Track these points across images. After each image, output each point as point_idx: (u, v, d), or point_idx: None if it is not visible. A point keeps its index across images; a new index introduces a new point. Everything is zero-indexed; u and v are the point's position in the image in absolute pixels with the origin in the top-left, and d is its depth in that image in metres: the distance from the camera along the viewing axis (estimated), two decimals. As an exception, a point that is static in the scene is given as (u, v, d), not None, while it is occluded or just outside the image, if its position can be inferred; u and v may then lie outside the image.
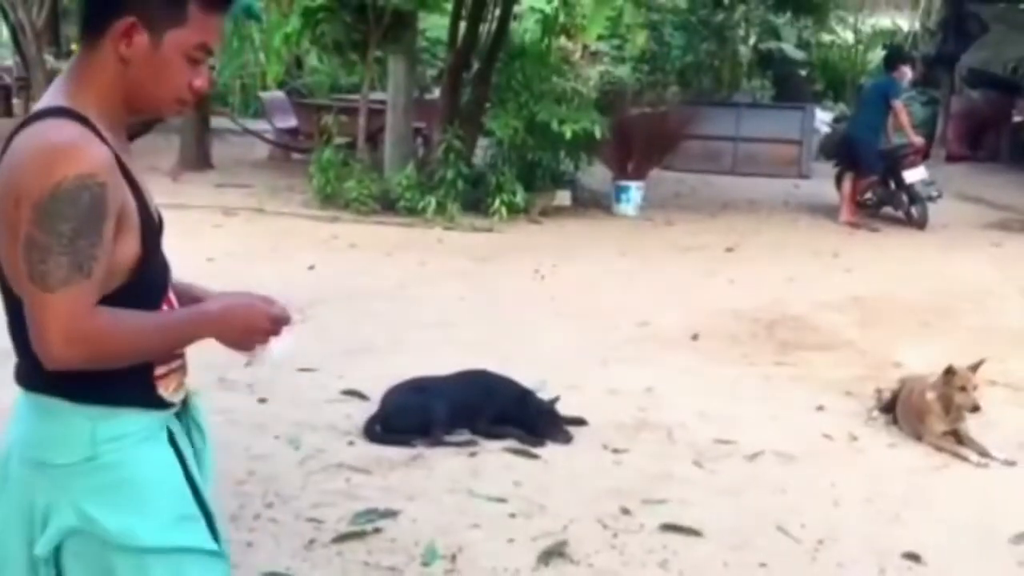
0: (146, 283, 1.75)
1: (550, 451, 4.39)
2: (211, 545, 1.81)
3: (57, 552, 1.73)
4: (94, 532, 1.70)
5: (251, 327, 1.81)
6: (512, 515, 3.75)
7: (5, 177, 1.63)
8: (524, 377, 4.87)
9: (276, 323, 1.83)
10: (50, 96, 1.73)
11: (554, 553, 3.45)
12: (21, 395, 1.77)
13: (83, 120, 1.67)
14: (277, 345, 1.85)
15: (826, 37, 21.40)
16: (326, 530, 3.55)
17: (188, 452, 1.85)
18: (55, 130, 1.64)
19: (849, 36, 22.00)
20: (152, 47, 1.70)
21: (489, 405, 4.61)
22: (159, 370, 1.79)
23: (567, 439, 4.50)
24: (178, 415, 1.87)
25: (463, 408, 4.56)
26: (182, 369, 1.87)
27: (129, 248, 1.69)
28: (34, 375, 1.69)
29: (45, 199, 1.58)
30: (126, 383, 1.72)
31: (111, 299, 1.67)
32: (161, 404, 1.80)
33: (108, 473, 1.72)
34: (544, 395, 4.74)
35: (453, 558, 3.40)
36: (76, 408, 1.70)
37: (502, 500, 3.86)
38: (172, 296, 1.85)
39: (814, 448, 4.63)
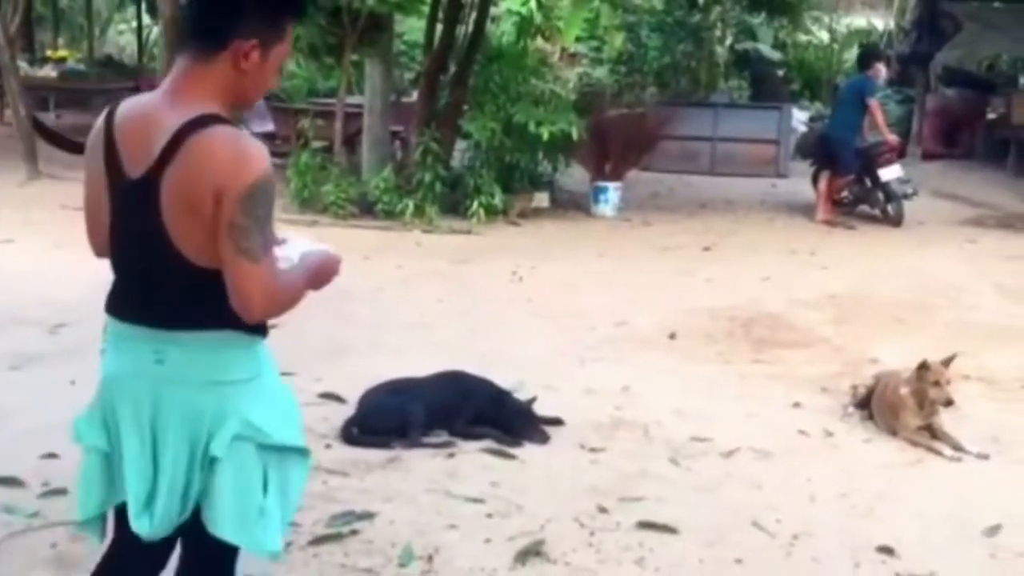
0: None
1: (527, 451, 4.40)
2: (305, 443, 2.35)
3: (213, 461, 2.18)
4: (253, 437, 2.19)
5: (332, 272, 2.39)
6: (489, 515, 3.76)
7: (198, 174, 2.06)
8: (502, 378, 4.88)
9: (338, 263, 2.40)
10: (182, 102, 2.12)
11: (531, 552, 3.46)
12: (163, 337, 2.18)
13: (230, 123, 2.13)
14: None
15: (802, 37, 21.54)
16: (303, 533, 3.54)
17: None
18: (237, 137, 2.10)
19: (825, 36, 22.14)
20: (262, 61, 2.16)
21: (466, 406, 4.61)
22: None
23: (544, 439, 4.51)
24: None
25: (440, 409, 4.57)
26: None
27: None
28: (201, 315, 2.16)
29: (246, 192, 2.05)
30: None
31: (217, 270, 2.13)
32: (265, 334, 2.30)
33: (261, 387, 2.25)
34: (521, 395, 4.76)
35: (430, 559, 3.40)
36: (244, 338, 2.21)
37: (479, 500, 3.87)
38: None
39: (790, 444, 4.66)
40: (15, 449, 4.15)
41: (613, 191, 11.23)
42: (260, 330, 2.25)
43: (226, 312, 2.13)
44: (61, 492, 3.76)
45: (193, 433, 2.19)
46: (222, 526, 2.20)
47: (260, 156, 2.09)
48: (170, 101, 2.15)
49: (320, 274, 2.35)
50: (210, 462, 2.18)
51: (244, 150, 2.08)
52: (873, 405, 4.96)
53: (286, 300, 2.19)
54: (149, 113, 2.17)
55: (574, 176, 11.96)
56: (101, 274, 7.49)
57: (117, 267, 2.32)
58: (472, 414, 4.59)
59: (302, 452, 2.34)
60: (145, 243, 2.16)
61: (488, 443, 4.43)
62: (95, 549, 3.37)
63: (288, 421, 2.31)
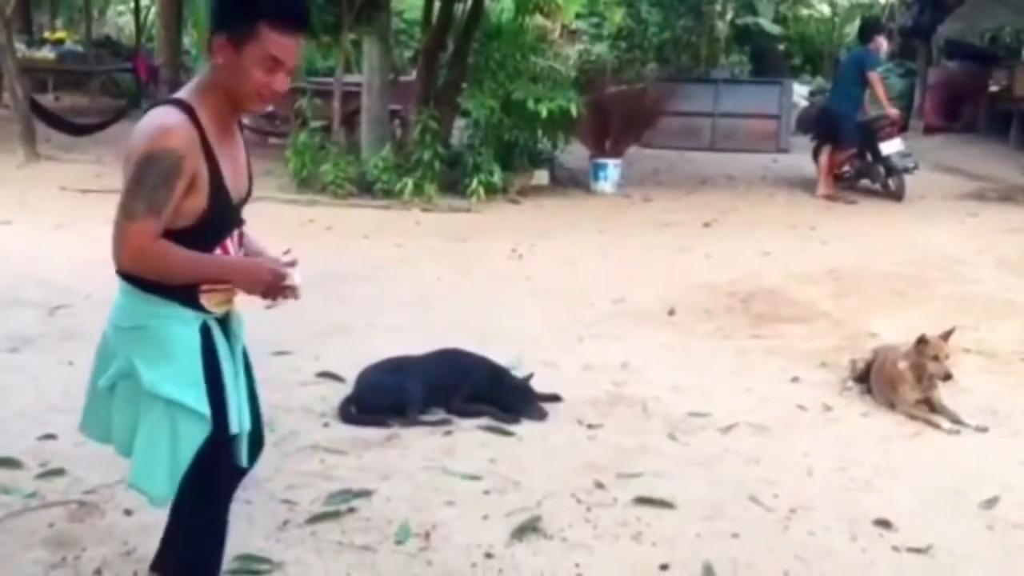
0: (204, 229, 2.45)
1: (525, 428, 4.40)
2: (202, 408, 2.48)
3: (112, 388, 2.55)
4: (133, 377, 2.47)
5: (256, 279, 2.51)
6: (486, 492, 3.76)
7: (131, 140, 2.41)
8: (500, 355, 4.88)
9: (276, 277, 2.52)
10: (180, 90, 2.48)
11: (528, 528, 3.46)
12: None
13: (188, 109, 2.39)
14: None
15: (803, 11, 21.42)
16: (300, 511, 3.55)
17: (223, 348, 2.56)
18: (164, 115, 2.39)
19: (826, 9, 22.01)
20: (236, 57, 2.39)
21: (464, 383, 4.61)
22: (204, 287, 2.50)
23: (542, 415, 4.51)
24: (222, 324, 2.59)
25: (437, 387, 4.56)
26: (227, 292, 2.57)
27: (195, 203, 2.40)
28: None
29: (142, 157, 2.33)
30: (175, 288, 2.46)
31: (177, 233, 2.40)
32: (200, 308, 2.51)
33: (149, 339, 2.47)
34: (519, 372, 4.75)
35: (427, 535, 3.40)
36: (140, 293, 2.46)
37: (476, 477, 3.87)
38: (229, 244, 2.56)
39: (788, 419, 4.65)
40: (13, 430, 4.16)
41: (613, 168, 11.21)
42: (157, 288, 2.45)
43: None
44: (58, 472, 3.77)
45: (105, 364, 2.58)
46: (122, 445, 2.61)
47: (168, 133, 2.34)
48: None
49: (242, 276, 2.53)
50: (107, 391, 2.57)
51: (159, 125, 2.36)
52: (872, 379, 4.96)
53: (157, 266, 2.40)
54: None
55: (574, 153, 11.92)
56: (98, 256, 7.48)
57: None
58: (469, 391, 4.59)
59: (195, 413, 2.48)
60: None
61: (486, 420, 4.43)
62: (93, 526, 3.41)
63: (176, 379, 2.47)
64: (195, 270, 2.47)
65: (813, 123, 12.59)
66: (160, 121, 2.37)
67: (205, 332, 2.53)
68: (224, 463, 2.62)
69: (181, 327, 2.50)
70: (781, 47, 20.11)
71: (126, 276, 2.47)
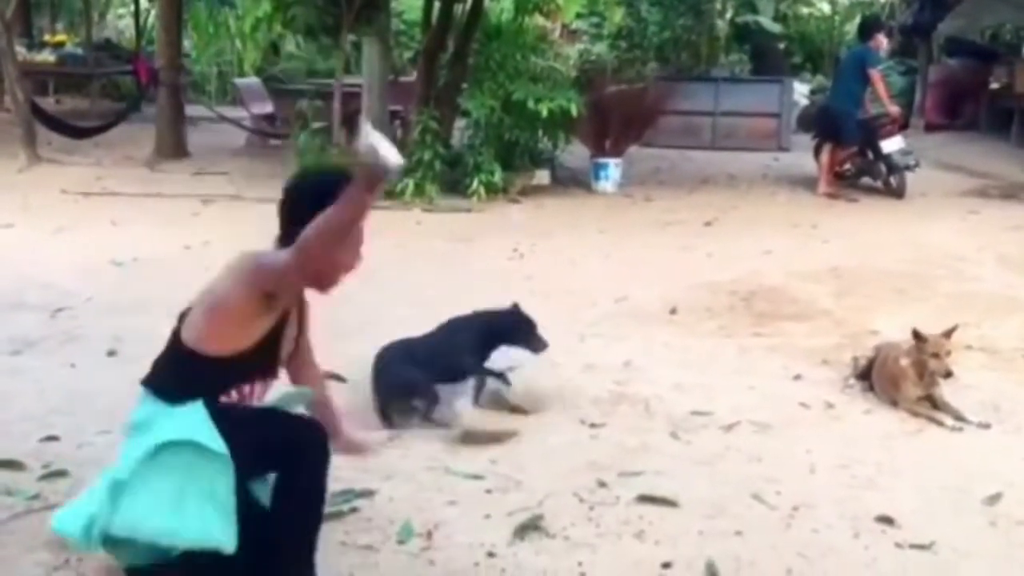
0: (240, 367, 2.79)
1: (527, 427, 4.40)
2: (215, 446, 2.63)
3: None
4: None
5: (372, 182, 2.53)
6: (488, 491, 3.76)
7: None
8: (500, 354, 4.87)
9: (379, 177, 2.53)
10: None
11: (530, 527, 3.46)
12: None
13: None
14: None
15: (803, 9, 21.39)
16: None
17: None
18: None
19: (826, 7, 21.98)
20: None
21: (473, 343, 4.66)
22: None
23: (544, 346, 4.66)
24: None
25: (447, 357, 4.59)
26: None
27: (254, 331, 2.78)
28: None
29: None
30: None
31: (210, 362, 2.74)
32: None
33: None
34: (519, 371, 4.75)
35: (429, 535, 3.40)
36: None
37: (479, 477, 3.87)
38: (256, 387, 2.86)
39: (790, 417, 4.65)
40: (15, 432, 4.16)
41: (614, 167, 11.20)
42: None
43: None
44: (61, 474, 3.77)
45: None
46: None
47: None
48: None
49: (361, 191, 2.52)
50: None
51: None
52: (874, 376, 4.95)
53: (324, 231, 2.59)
54: None
55: (574, 153, 11.92)
56: (99, 259, 7.46)
57: None
58: (481, 346, 4.66)
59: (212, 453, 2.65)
60: None
61: (485, 418, 4.43)
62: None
63: (185, 425, 2.69)
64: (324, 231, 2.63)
65: (814, 121, 12.59)
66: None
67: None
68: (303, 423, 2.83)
69: (189, 409, 2.76)
70: (781, 45, 20.09)
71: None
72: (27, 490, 3.65)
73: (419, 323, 5.90)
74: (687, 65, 17.07)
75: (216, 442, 2.62)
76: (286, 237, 2.71)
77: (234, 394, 2.78)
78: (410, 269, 7.44)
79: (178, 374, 2.75)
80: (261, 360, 2.79)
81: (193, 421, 2.65)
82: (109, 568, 2.95)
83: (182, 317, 2.83)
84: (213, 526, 2.59)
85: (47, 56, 16.39)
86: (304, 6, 9.85)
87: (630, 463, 4.04)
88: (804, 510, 3.67)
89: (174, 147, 12.47)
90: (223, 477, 2.62)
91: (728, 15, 18.99)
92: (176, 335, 2.79)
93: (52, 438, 4.08)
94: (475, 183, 10.06)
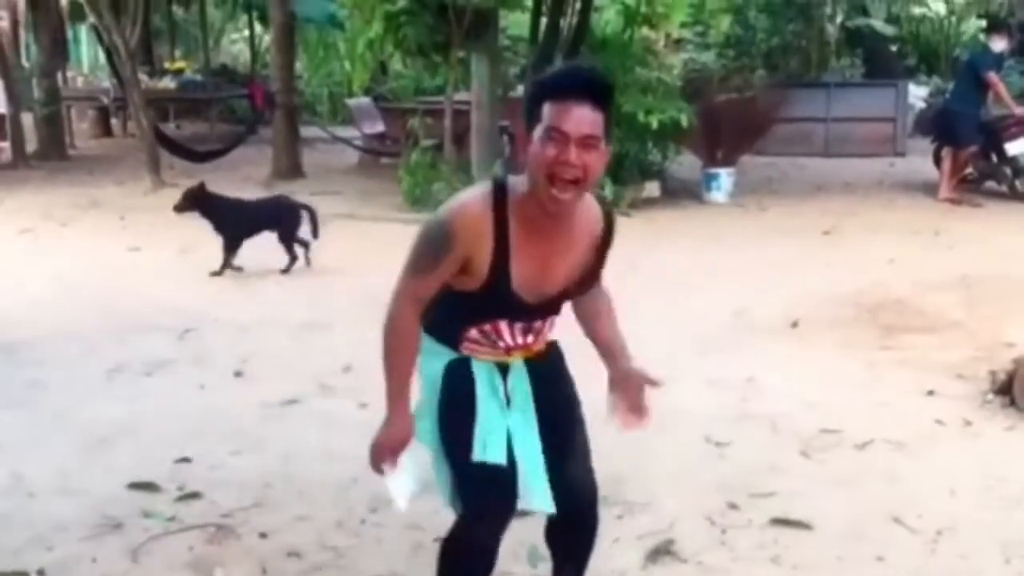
0: (478, 305, 2.49)
1: (652, 446, 4.32)
2: (423, 438, 2.62)
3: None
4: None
5: (374, 446, 2.57)
6: (619, 517, 3.68)
7: None
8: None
9: (376, 461, 2.58)
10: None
11: (662, 551, 3.40)
12: None
13: (502, 193, 2.41)
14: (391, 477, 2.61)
15: (916, 10, 20.79)
16: (430, 534, 3.54)
17: (483, 386, 2.56)
18: (471, 193, 2.45)
19: (941, 7, 21.32)
20: (531, 144, 2.34)
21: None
22: (464, 345, 2.57)
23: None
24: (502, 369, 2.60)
25: None
26: (494, 352, 2.58)
27: (469, 284, 2.44)
28: None
29: (426, 224, 2.45)
30: (438, 330, 2.57)
31: (458, 295, 2.47)
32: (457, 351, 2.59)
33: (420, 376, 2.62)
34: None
35: (559, 559, 3.36)
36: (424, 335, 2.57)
37: (604, 499, 3.80)
38: (503, 328, 2.54)
39: (926, 435, 4.48)
40: (149, 454, 4.26)
41: (726, 177, 11.05)
42: (426, 328, 2.57)
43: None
44: (196, 496, 3.85)
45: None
46: None
47: (457, 211, 2.39)
48: None
49: (382, 430, 2.58)
50: None
51: (458, 200, 2.43)
52: (1016, 390, 4.74)
53: (388, 323, 2.49)
54: None
55: (685, 164, 11.79)
56: (221, 280, 7.67)
57: None
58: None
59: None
60: None
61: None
62: (231, 549, 3.47)
63: (422, 409, 2.64)
64: (389, 363, 2.52)
65: (932, 124, 12.22)
66: (463, 197, 2.44)
67: (465, 368, 2.57)
68: (485, 491, 2.59)
69: (433, 361, 2.59)
70: (894, 48, 19.56)
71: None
72: (163, 512, 3.74)
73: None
74: (796, 71, 16.75)
75: (424, 435, 2.63)
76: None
77: (482, 331, 2.55)
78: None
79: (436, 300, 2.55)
80: (494, 300, 2.47)
81: (428, 404, 2.64)
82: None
83: None
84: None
85: (168, 83, 17.01)
86: (415, 26, 9.97)
87: (760, 484, 3.93)
88: (948, 534, 3.52)
89: (290, 168, 12.76)
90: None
91: (838, 19, 18.59)
92: None
93: (185, 460, 4.18)
94: (585, 197, 10.00)
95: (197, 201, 7.58)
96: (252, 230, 7.69)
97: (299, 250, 7.77)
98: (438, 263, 2.40)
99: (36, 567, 3.33)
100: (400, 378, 2.52)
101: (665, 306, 6.73)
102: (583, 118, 2.28)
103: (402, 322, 2.48)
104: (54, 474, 4.07)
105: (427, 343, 2.59)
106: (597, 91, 2.33)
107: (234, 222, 7.63)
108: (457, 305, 2.50)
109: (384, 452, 2.56)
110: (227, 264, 7.58)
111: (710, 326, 6.24)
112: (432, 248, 2.41)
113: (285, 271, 7.67)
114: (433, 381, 2.61)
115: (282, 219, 7.76)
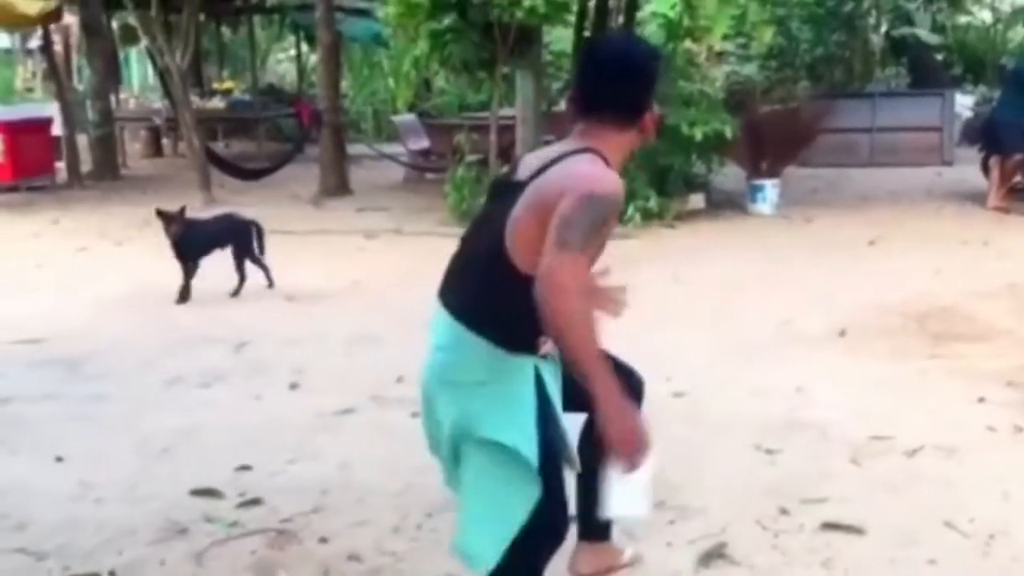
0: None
1: (704, 455, 4.37)
2: (533, 461, 2.49)
3: (455, 452, 2.66)
4: (469, 431, 2.56)
5: (623, 440, 2.31)
6: (671, 522, 3.74)
7: (556, 176, 2.44)
8: (662, 378, 4.86)
9: (634, 446, 2.33)
10: (583, 147, 2.53)
11: (714, 555, 3.45)
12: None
13: (606, 162, 2.49)
14: (619, 484, 2.44)
15: (962, 19, 20.61)
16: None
17: (553, 394, 2.58)
18: (601, 164, 2.47)
19: (987, 15, 21.13)
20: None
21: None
22: (540, 341, 2.53)
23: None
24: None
25: None
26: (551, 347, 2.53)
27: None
28: (483, 317, 2.52)
29: (585, 195, 2.33)
30: (522, 340, 2.52)
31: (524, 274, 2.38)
32: (535, 352, 2.55)
33: (491, 394, 2.53)
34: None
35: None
36: (489, 348, 2.51)
37: (658, 504, 3.86)
38: None
39: (977, 441, 4.48)
40: (211, 462, 4.38)
41: (771, 188, 11.04)
42: (506, 342, 2.51)
43: (499, 323, 2.50)
44: (256, 502, 3.96)
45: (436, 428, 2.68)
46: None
47: (611, 182, 2.41)
48: (571, 145, 2.57)
49: (612, 410, 2.29)
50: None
51: (602, 172, 2.44)
52: (1066, 398, 4.73)
53: (565, 305, 2.24)
54: (550, 151, 2.61)
55: (729, 176, 11.80)
56: (273, 294, 7.79)
57: (458, 246, 2.74)
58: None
59: (528, 470, 2.50)
60: (487, 230, 2.56)
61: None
62: (292, 554, 3.56)
63: (516, 429, 2.49)
64: (581, 352, 2.27)
65: (979, 133, 12.14)
66: (604, 171, 2.45)
67: (539, 381, 2.55)
68: (552, 534, 2.63)
69: (522, 383, 2.53)
70: (940, 57, 19.41)
71: (480, 330, 2.50)
72: (226, 517, 3.85)
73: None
74: (840, 82, 16.68)
75: (535, 459, 2.49)
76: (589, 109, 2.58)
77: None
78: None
79: (504, 303, 2.47)
80: None
81: (526, 427, 2.50)
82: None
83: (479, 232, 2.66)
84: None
85: (217, 103, 17.32)
86: (461, 43, 10.09)
87: (811, 490, 3.97)
88: (1000, 538, 3.53)
89: (337, 185, 12.94)
90: (531, 496, 2.52)
91: (883, 29, 18.49)
92: (493, 248, 2.50)
93: (245, 467, 4.29)
94: (631, 210, 10.06)
95: (169, 222, 7.36)
96: (206, 248, 7.58)
97: (254, 271, 7.67)
98: (600, 235, 2.37)
99: (107, 569, 3.45)
100: (600, 354, 2.31)
101: (712, 316, 6.78)
102: None
103: (576, 289, 2.26)
104: (120, 482, 4.20)
105: (498, 359, 2.50)
106: None
107: (187, 241, 7.46)
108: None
109: (644, 438, 2.35)
110: (187, 288, 7.41)
111: (757, 336, 6.27)
112: (607, 215, 2.36)
113: (235, 294, 7.51)
114: (520, 397, 2.52)
115: (234, 236, 7.67)
